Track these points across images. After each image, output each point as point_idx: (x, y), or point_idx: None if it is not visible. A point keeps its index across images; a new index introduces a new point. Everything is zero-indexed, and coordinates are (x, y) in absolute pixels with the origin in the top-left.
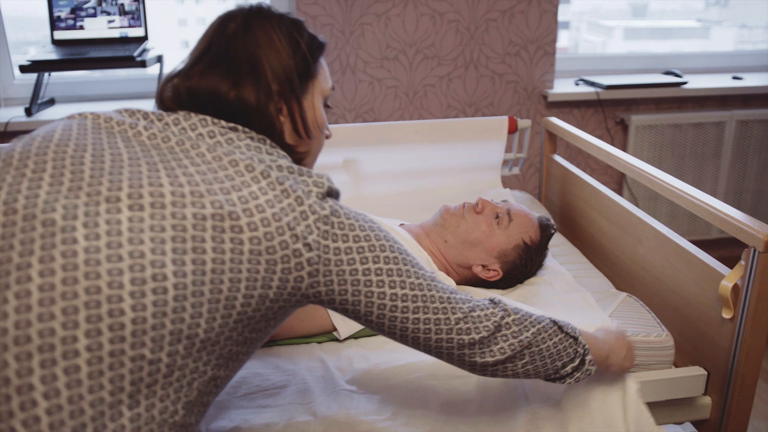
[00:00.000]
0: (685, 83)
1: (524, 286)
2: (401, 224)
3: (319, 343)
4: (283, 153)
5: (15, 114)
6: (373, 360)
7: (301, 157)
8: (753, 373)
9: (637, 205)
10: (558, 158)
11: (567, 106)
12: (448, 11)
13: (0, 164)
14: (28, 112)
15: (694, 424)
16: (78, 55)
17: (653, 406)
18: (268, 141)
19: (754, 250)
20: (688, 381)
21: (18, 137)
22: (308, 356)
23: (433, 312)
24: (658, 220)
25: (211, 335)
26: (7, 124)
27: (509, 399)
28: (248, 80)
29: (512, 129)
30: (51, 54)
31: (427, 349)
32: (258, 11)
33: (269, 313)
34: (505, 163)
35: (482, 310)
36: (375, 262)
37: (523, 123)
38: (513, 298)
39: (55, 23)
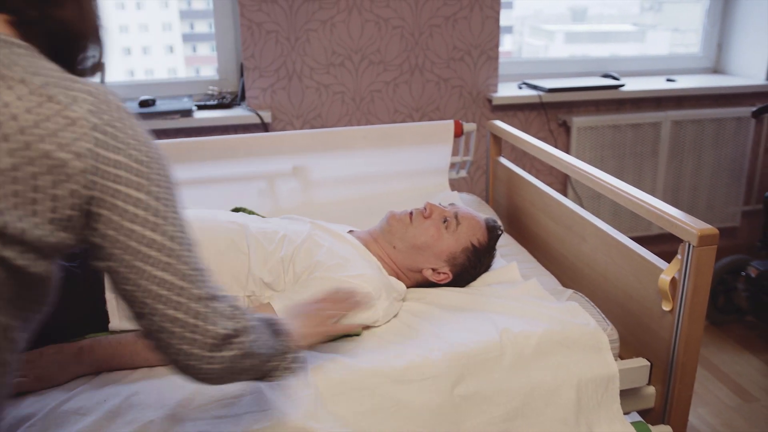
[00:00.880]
0: (622, 86)
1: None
2: (350, 231)
3: None
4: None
5: None
6: (328, 365)
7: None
8: (692, 362)
9: (581, 204)
10: (504, 160)
11: (511, 109)
12: (392, 17)
13: None
14: None
15: (640, 413)
16: None
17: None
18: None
19: (689, 245)
20: (633, 372)
21: None
22: None
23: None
24: (602, 218)
25: None
26: None
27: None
28: None
29: (458, 133)
30: None
31: (149, 323)
32: None
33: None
34: (453, 166)
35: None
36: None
37: (469, 127)
38: (463, 296)
39: None
